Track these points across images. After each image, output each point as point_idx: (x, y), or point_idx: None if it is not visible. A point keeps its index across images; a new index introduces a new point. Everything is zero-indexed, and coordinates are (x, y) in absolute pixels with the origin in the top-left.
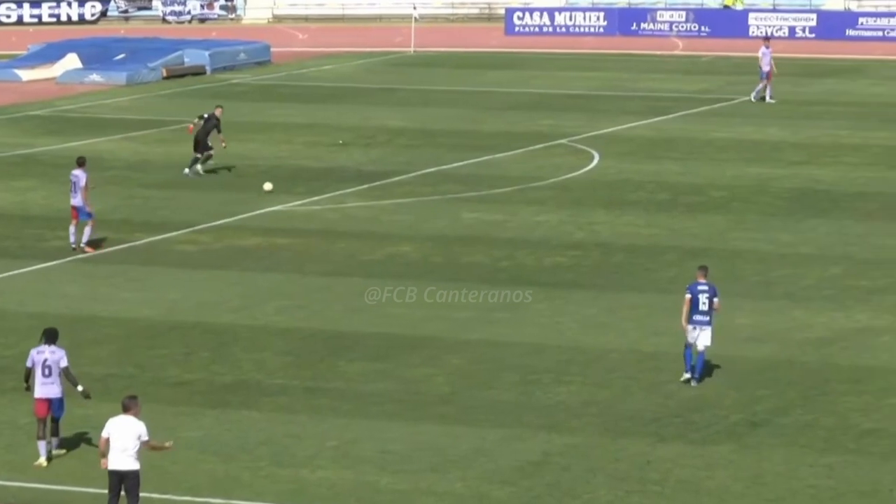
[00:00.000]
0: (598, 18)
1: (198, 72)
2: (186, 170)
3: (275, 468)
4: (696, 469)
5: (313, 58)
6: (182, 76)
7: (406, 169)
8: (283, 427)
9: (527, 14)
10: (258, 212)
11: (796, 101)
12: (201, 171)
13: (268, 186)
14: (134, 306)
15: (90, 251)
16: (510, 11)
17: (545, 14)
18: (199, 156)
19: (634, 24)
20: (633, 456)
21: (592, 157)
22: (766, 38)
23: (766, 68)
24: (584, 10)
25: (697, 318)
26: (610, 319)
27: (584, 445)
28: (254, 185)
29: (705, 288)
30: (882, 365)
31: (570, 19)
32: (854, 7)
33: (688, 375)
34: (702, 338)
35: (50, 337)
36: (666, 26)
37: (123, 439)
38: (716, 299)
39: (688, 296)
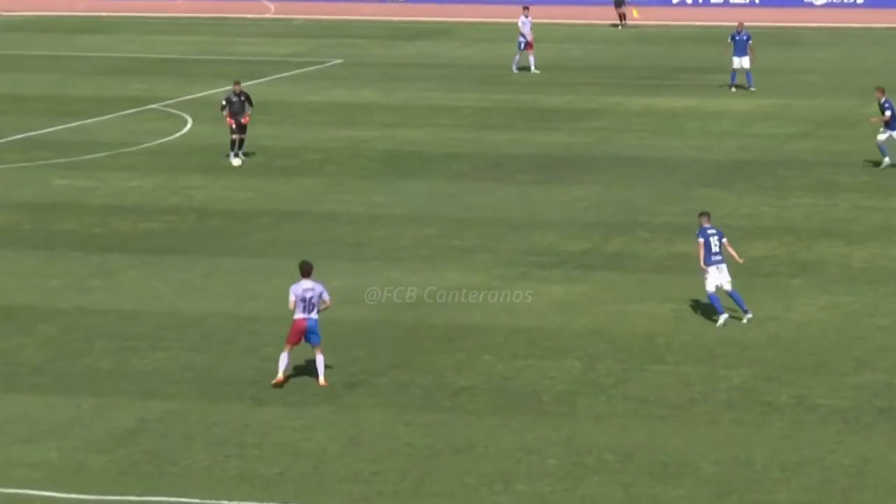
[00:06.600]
0: None
1: None
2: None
3: None
4: (294, 431)
5: None
6: None
7: None
8: None
9: None
10: None
11: (388, 63)
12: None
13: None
14: None
15: None
16: None
17: None
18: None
19: None
20: (231, 420)
21: (186, 122)
22: (526, 7)
23: (528, 38)
24: None
25: (715, 258)
26: (206, 284)
27: (182, 411)
28: None
29: (714, 231)
30: (474, 323)
31: None
32: None
33: (724, 318)
34: (723, 277)
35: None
36: None
37: None
38: (724, 239)
39: (700, 240)
